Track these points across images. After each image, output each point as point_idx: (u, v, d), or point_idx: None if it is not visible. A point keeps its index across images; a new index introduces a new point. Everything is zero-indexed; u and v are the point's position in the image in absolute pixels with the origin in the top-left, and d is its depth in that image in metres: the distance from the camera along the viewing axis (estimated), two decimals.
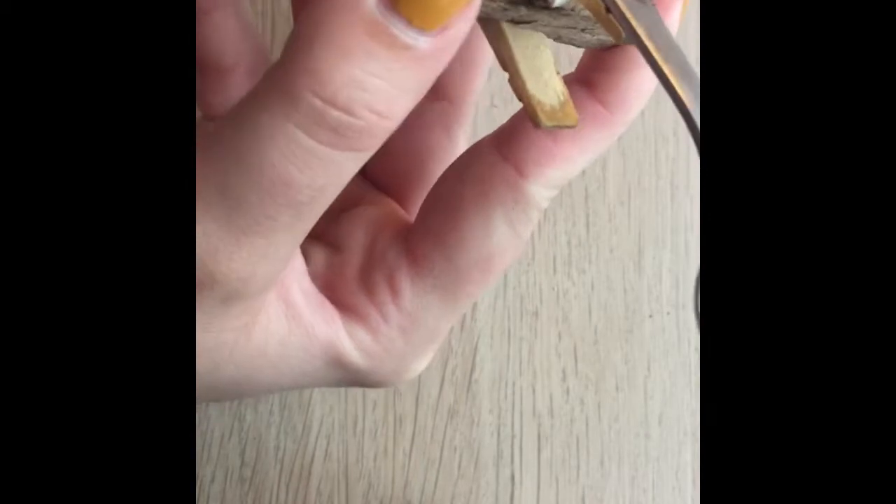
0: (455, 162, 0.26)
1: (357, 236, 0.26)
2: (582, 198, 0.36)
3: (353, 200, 0.27)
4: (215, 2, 0.27)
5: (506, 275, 0.35)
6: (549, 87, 0.23)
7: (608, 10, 0.21)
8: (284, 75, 0.19)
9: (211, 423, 0.34)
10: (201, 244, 0.20)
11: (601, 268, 0.35)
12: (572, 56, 0.26)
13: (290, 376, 0.25)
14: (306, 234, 0.22)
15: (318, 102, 0.19)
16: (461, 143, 0.29)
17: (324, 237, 0.26)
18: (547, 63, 0.23)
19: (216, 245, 0.20)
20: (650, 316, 0.35)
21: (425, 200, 0.26)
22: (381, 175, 0.28)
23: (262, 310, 0.23)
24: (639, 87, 0.24)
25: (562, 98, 0.23)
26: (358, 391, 0.34)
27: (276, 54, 0.20)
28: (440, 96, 0.28)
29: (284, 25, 0.36)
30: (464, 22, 0.19)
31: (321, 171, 0.20)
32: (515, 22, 0.22)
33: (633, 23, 0.20)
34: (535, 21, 0.22)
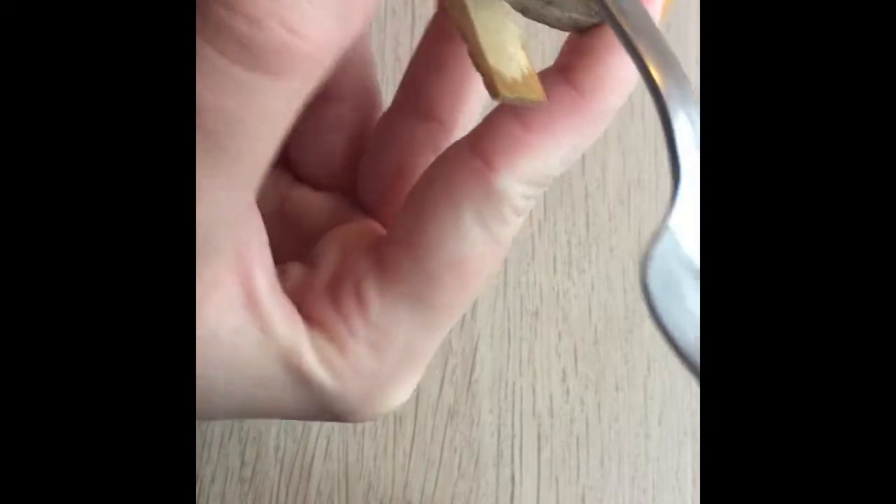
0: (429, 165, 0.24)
1: (331, 251, 0.24)
2: (582, 197, 0.36)
3: (339, 223, 0.26)
4: None
5: (506, 275, 0.35)
6: (512, 62, 0.22)
7: None
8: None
9: (211, 423, 0.34)
10: None
11: (601, 268, 0.35)
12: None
13: (244, 385, 0.23)
14: (249, 191, 0.20)
15: (222, 11, 0.17)
16: None
17: (304, 257, 0.25)
18: (512, 38, 0.22)
19: None
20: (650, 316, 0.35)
21: (386, 200, 0.25)
22: (370, 196, 0.27)
23: (215, 286, 0.21)
24: (615, 71, 0.22)
25: (525, 72, 0.22)
26: None
27: None
28: (430, 117, 0.26)
29: None
30: None
31: (232, 94, 0.18)
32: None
33: None
34: None
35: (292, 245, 0.25)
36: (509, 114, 0.22)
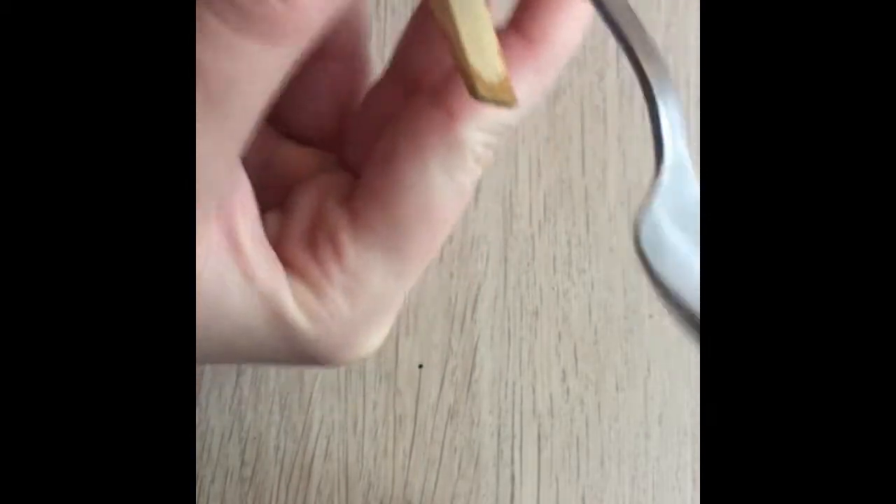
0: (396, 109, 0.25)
1: (306, 199, 0.26)
2: (582, 198, 0.36)
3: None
4: None
5: (506, 275, 0.35)
6: (489, 66, 0.23)
7: None
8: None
9: (211, 424, 0.34)
10: None
11: (601, 268, 0.35)
12: None
13: (225, 328, 0.23)
14: (237, 146, 0.21)
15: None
16: None
17: (280, 206, 0.26)
18: (491, 44, 0.23)
19: None
20: (650, 316, 0.35)
21: (368, 160, 0.25)
22: (353, 155, 0.28)
23: (199, 234, 0.22)
24: (562, 20, 0.24)
25: (501, 76, 0.23)
26: (358, 390, 0.34)
27: None
28: (416, 90, 0.27)
29: None
30: None
31: (229, 58, 0.20)
32: None
33: None
34: None
35: (276, 197, 0.26)
36: None
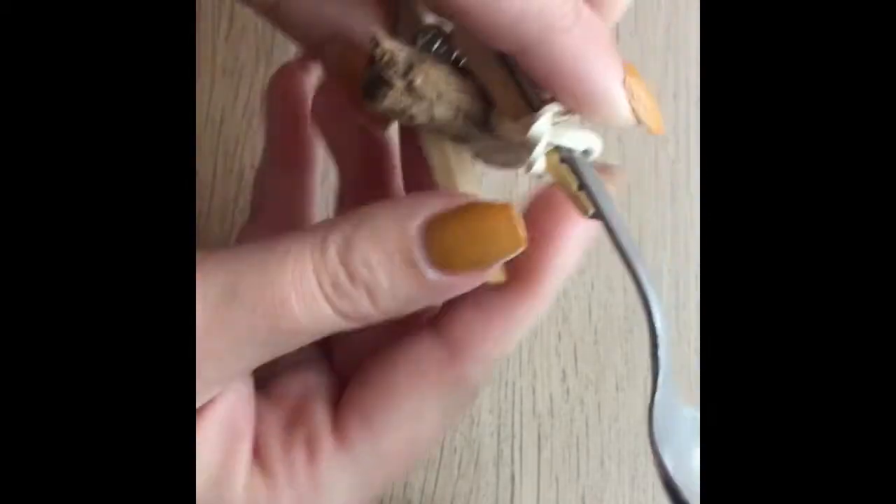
0: (390, 328, 0.24)
1: (292, 391, 0.25)
2: None
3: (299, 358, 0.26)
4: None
5: None
6: None
7: (580, 187, 0.23)
8: (329, 227, 0.22)
9: None
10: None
11: (601, 268, 0.35)
12: None
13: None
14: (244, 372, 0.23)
15: (336, 259, 0.22)
16: None
17: (263, 388, 0.25)
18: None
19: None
20: None
21: (358, 372, 0.25)
22: (345, 366, 0.27)
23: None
24: (553, 263, 0.24)
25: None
26: None
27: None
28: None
29: None
30: (471, 281, 0.22)
31: (309, 313, 0.21)
32: (454, 138, 0.23)
33: (600, 203, 0.23)
34: (474, 141, 0.23)
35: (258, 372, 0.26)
36: (471, 304, 0.24)
